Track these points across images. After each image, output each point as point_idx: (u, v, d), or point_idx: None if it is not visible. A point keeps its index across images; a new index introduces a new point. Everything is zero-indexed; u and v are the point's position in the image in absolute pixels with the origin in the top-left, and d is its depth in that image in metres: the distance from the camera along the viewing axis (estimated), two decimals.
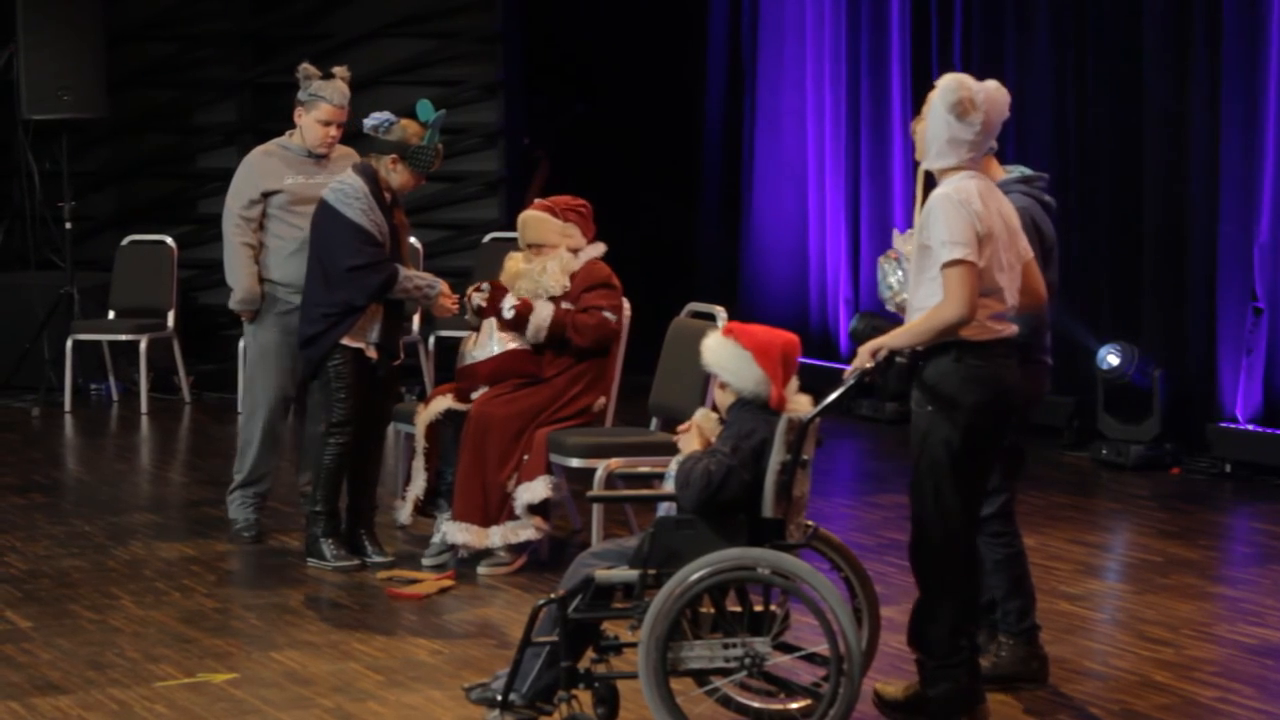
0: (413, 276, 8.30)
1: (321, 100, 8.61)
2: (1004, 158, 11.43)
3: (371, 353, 8.25)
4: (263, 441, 8.79)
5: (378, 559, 8.33)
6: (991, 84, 5.98)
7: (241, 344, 12.37)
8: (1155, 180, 10.81)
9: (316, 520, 8.29)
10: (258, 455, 8.80)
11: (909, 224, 6.32)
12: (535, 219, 8.41)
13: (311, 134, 8.66)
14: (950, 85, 5.92)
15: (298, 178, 8.64)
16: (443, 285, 8.38)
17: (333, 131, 8.67)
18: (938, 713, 6.00)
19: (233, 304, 8.73)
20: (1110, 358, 10.68)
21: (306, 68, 8.69)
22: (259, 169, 8.70)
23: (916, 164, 6.33)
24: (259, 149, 8.81)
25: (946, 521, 5.95)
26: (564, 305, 8.27)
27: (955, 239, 5.76)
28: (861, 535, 8.94)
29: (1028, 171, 6.49)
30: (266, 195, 8.63)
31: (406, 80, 13.77)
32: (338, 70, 8.69)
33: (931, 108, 5.96)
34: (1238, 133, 10.31)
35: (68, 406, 12.73)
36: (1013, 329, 5.96)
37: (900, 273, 6.16)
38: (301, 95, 8.66)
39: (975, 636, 6.13)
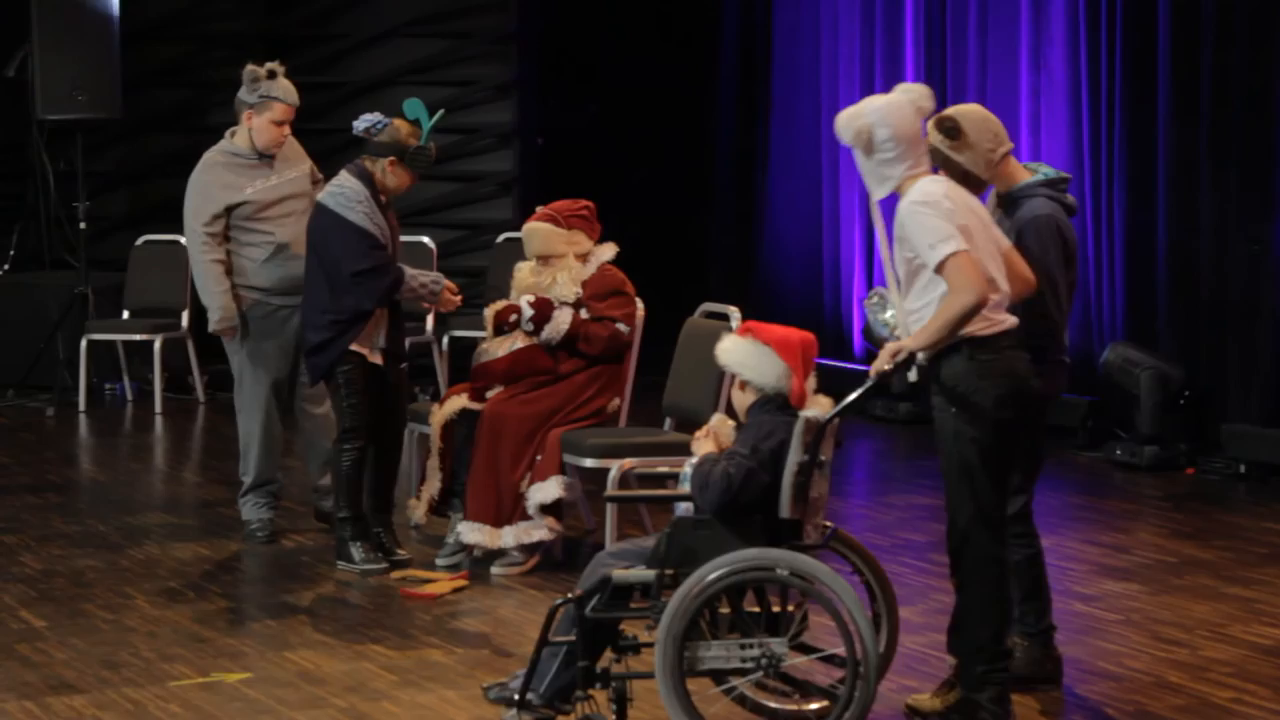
0: (416, 275, 8.29)
1: (275, 100, 8.62)
2: (1020, 154, 11.52)
3: (376, 358, 8.23)
4: (262, 443, 8.80)
5: (395, 557, 8.32)
6: (880, 98, 5.99)
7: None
8: (1169, 180, 10.80)
9: (344, 524, 8.28)
10: (259, 458, 8.80)
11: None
12: (539, 231, 8.37)
13: (265, 135, 8.64)
14: (840, 127, 5.96)
15: (257, 183, 8.63)
16: (446, 281, 8.37)
17: (286, 130, 8.67)
18: (995, 715, 5.99)
19: (213, 326, 8.71)
20: (1106, 355, 10.73)
21: (253, 69, 8.65)
22: (217, 183, 8.66)
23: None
24: (209, 161, 8.74)
25: (986, 521, 5.96)
26: (581, 313, 8.25)
27: (939, 237, 5.79)
28: (877, 536, 8.93)
29: (1050, 172, 6.44)
30: (230, 209, 8.62)
31: (420, 80, 13.77)
32: (277, 67, 8.68)
33: None
34: (1252, 129, 10.30)
35: (82, 406, 12.74)
36: (1013, 320, 5.98)
37: (891, 308, 6.16)
38: (249, 98, 8.63)
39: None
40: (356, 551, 8.23)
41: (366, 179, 8.16)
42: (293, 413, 8.99)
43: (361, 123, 8.20)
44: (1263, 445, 10.21)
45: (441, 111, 8.29)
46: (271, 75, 8.63)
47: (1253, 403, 10.38)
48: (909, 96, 5.98)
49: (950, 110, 6.27)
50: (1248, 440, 10.29)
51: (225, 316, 8.65)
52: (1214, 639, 7.20)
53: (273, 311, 8.68)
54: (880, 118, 5.91)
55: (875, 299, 6.20)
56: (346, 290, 8.09)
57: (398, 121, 8.21)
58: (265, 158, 8.67)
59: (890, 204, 5.97)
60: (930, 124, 6.23)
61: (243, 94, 8.66)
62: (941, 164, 6.19)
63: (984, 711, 5.98)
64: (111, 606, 7.73)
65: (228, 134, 8.78)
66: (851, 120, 5.93)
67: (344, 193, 8.12)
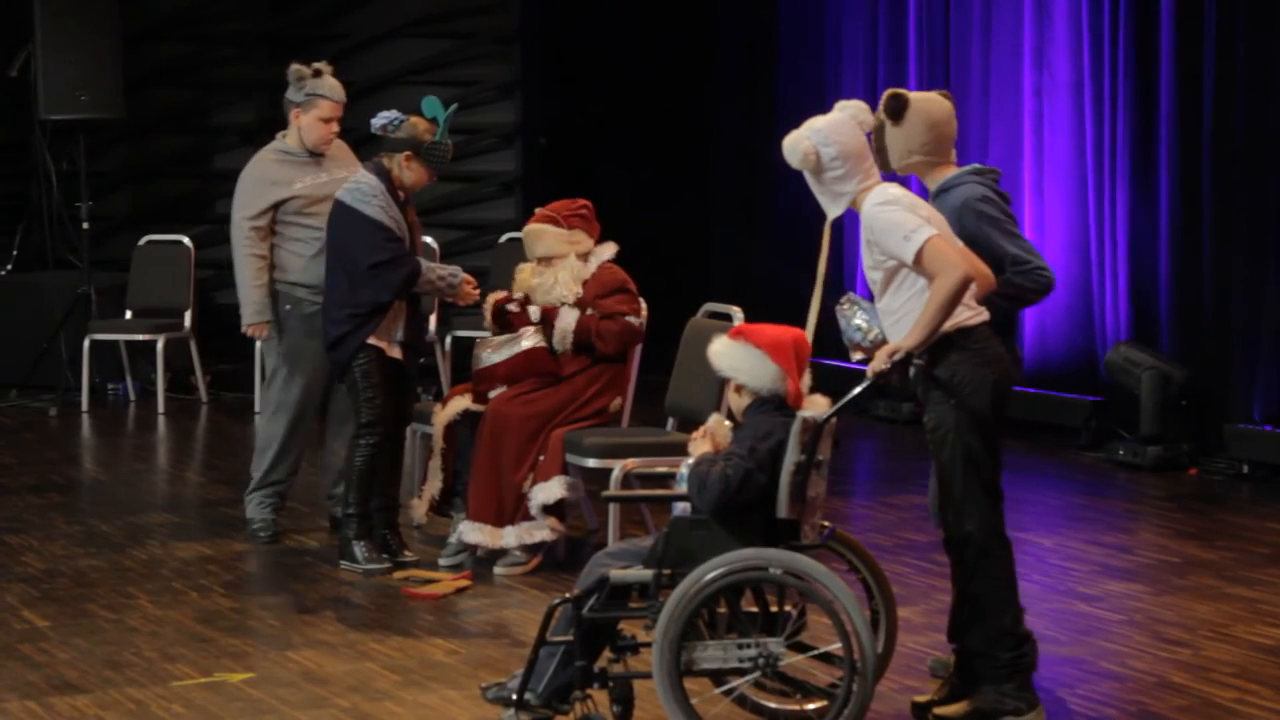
0: (434, 268, 8.31)
1: (321, 98, 8.63)
2: (1022, 153, 11.53)
3: (395, 352, 8.24)
4: (285, 443, 8.77)
5: (402, 558, 8.32)
6: (820, 119, 6.03)
7: (259, 344, 12.48)
8: (1172, 177, 10.80)
9: (349, 522, 8.28)
10: (277, 457, 8.79)
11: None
12: (539, 232, 8.38)
13: (313, 133, 8.66)
14: (787, 152, 6.00)
15: (306, 179, 8.64)
16: (464, 274, 8.38)
17: (334, 127, 8.69)
18: (1025, 702, 6.02)
19: (247, 321, 8.67)
20: (1110, 354, 10.73)
21: (298, 68, 8.68)
22: (267, 177, 8.68)
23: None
24: (260, 158, 8.77)
25: (993, 505, 6.03)
26: (588, 311, 8.27)
27: (910, 228, 5.86)
28: (878, 536, 8.94)
29: (979, 167, 6.47)
30: (277, 205, 8.63)
31: (423, 80, 13.78)
32: (323, 66, 8.70)
33: None
34: (1254, 130, 10.29)
35: (85, 406, 12.75)
36: (986, 314, 6.03)
37: (862, 312, 6.19)
38: (296, 96, 8.66)
39: None
40: (359, 551, 8.23)
41: (383, 175, 8.19)
42: (322, 417, 8.95)
43: (379, 119, 8.23)
44: (1266, 445, 10.21)
45: (455, 105, 8.31)
46: (317, 74, 8.67)
47: (1256, 403, 10.38)
48: (848, 113, 6.06)
49: (918, 97, 6.30)
50: (1251, 440, 10.28)
51: (260, 310, 8.64)
52: (1217, 639, 7.20)
53: (316, 311, 8.64)
54: (823, 138, 5.97)
55: (846, 304, 6.22)
56: (364, 283, 8.11)
57: (414, 118, 8.23)
58: (315, 156, 8.68)
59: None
60: (886, 93, 6.28)
61: (290, 93, 8.69)
62: (875, 134, 6.22)
63: (1010, 701, 6.00)
64: (114, 606, 7.74)
65: (279, 135, 8.81)
66: (796, 144, 5.99)
67: (360, 188, 8.15)
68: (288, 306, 8.67)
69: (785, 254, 13.70)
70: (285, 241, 8.66)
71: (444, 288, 8.33)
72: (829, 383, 6.25)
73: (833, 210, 6.08)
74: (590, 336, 8.26)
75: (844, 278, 13.06)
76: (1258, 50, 10.28)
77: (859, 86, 13.07)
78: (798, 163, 5.99)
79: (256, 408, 12.53)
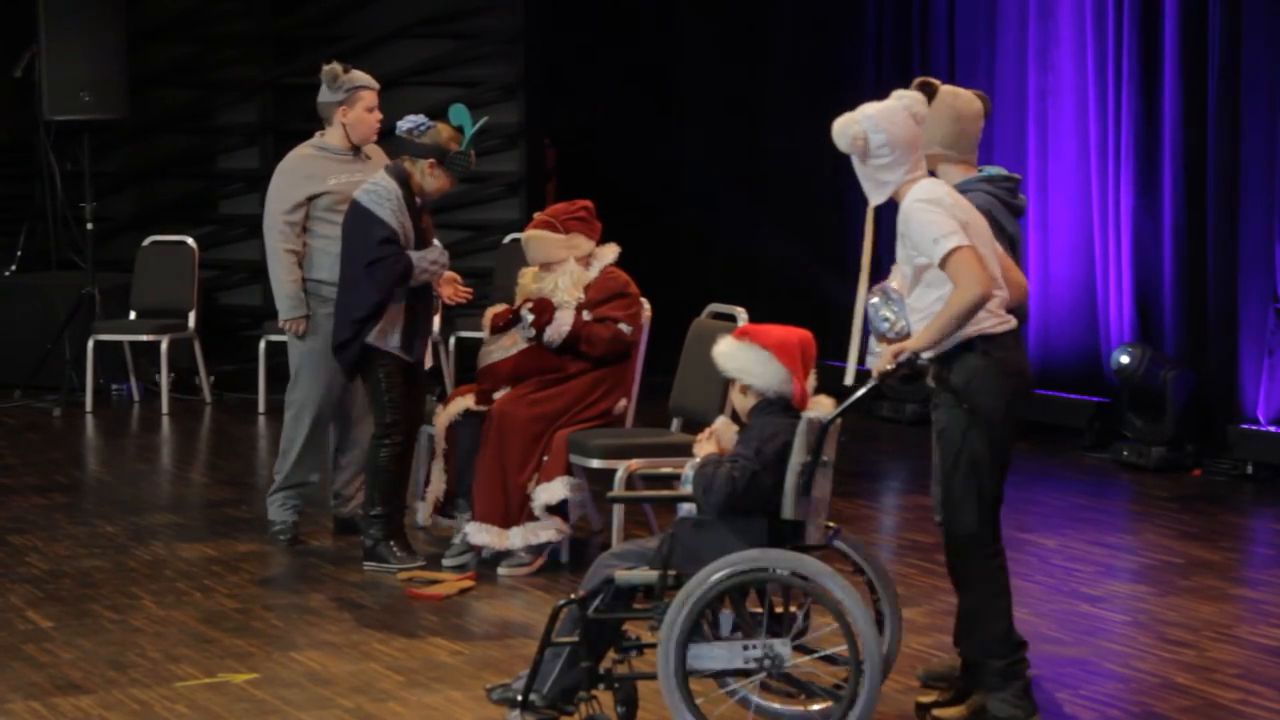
0: (424, 254, 8.24)
1: (363, 89, 8.63)
2: (1027, 155, 11.51)
3: (406, 355, 8.22)
4: (308, 443, 8.73)
5: (407, 559, 8.32)
6: (874, 105, 5.99)
7: (263, 344, 12.49)
8: (1176, 178, 10.79)
9: (374, 524, 8.24)
10: (300, 457, 8.75)
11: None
12: (537, 239, 8.37)
13: (363, 125, 8.64)
14: (836, 134, 5.97)
15: (341, 176, 8.62)
16: (444, 257, 8.30)
17: (379, 116, 8.67)
18: (1023, 710, 6.03)
19: (283, 316, 8.64)
20: (1121, 358, 10.70)
21: (331, 68, 8.66)
22: (301, 172, 8.66)
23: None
24: (295, 153, 8.75)
25: (991, 515, 6.02)
26: (584, 315, 8.26)
27: (942, 232, 5.82)
28: (882, 536, 8.93)
29: (994, 172, 6.45)
30: (311, 198, 8.62)
31: (427, 81, 13.79)
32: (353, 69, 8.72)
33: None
34: (1260, 130, 10.29)
35: (89, 407, 12.75)
36: (1013, 322, 6.02)
37: (891, 305, 6.19)
38: (337, 95, 8.62)
39: None
40: (388, 551, 8.21)
41: (403, 180, 8.16)
42: (342, 418, 8.92)
43: (405, 123, 8.21)
44: (1269, 446, 10.20)
45: (485, 119, 8.30)
46: (348, 70, 8.67)
47: (1260, 404, 10.37)
48: (903, 103, 6.00)
49: (949, 90, 6.28)
50: (1254, 441, 10.27)
51: (295, 304, 8.62)
52: (1220, 640, 7.20)
53: None
54: (874, 124, 5.93)
55: (878, 296, 6.21)
56: (361, 282, 8.10)
57: (440, 125, 8.22)
58: (353, 153, 8.67)
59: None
60: (918, 80, 6.25)
61: (326, 95, 8.65)
62: None
63: (1008, 707, 6.00)
64: (118, 607, 7.74)
65: (317, 135, 8.78)
66: (846, 127, 5.95)
67: (377, 190, 8.13)
68: (314, 306, 8.64)
69: (790, 253, 13.70)
70: (315, 239, 8.63)
71: (436, 270, 8.27)
72: (835, 385, 6.23)
73: (875, 198, 6.01)
74: (579, 341, 8.25)
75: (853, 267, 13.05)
76: (1263, 51, 10.27)
77: (863, 87, 13.06)
78: (846, 146, 5.94)
79: (260, 408, 12.56)
